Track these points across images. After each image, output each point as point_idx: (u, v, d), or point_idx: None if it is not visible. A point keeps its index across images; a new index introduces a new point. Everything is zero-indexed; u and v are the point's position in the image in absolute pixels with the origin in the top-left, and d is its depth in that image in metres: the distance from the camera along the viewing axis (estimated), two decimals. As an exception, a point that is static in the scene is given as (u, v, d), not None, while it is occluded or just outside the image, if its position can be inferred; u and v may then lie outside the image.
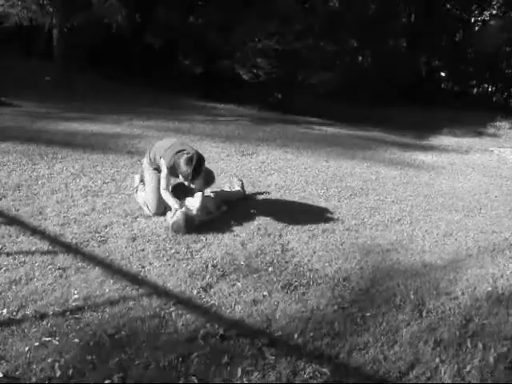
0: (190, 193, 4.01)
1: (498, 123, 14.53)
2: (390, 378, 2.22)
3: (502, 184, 6.56)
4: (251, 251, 3.41)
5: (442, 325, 2.67)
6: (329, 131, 11.19)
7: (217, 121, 10.16)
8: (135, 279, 2.88)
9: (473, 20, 22.07)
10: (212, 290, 2.83)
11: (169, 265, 3.10)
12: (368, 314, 2.71)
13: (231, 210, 4.21)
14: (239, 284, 2.92)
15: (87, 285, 2.74)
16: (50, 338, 2.25)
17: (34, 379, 2.01)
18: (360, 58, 21.74)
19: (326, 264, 3.33)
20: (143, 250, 3.28)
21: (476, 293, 3.11)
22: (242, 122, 10.65)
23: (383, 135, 11.47)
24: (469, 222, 4.58)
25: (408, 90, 18.81)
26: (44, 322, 2.36)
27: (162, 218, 3.86)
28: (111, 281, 2.81)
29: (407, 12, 21.71)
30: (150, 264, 3.08)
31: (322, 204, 4.73)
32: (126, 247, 3.29)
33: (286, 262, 3.30)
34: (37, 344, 2.20)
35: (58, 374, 2.04)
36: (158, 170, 4.03)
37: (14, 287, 2.65)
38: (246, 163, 6.19)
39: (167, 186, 3.88)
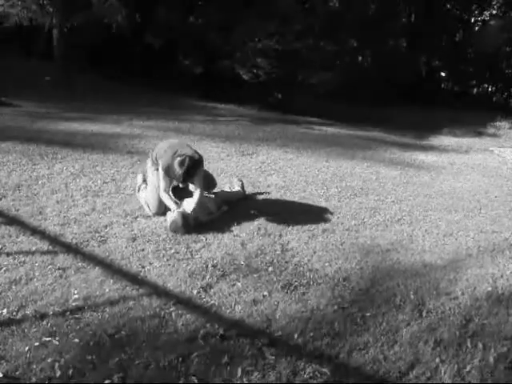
0: (191, 194, 4.03)
1: (498, 123, 14.53)
2: (390, 377, 2.22)
3: (502, 184, 6.56)
4: (251, 251, 3.41)
5: (442, 325, 2.67)
6: (329, 131, 11.19)
7: (217, 121, 10.16)
8: (135, 279, 2.88)
9: (473, 20, 22.06)
10: (212, 290, 2.83)
11: (169, 265, 3.10)
12: (368, 314, 2.71)
13: (231, 210, 4.21)
14: (239, 284, 2.92)
15: (87, 285, 2.75)
16: (50, 338, 2.25)
17: (34, 379, 2.01)
18: (360, 58, 21.74)
19: (326, 264, 3.33)
20: (143, 249, 3.28)
21: (476, 293, 3.11)
22: (242, 122, 10.66)
23: (383, 135, 11.48)
24: (469, 222, 4.58)
25: (408, 90, 18.81)
26: (44, 322, 2.36)
27: (161, 218, 3.86)
28: (111, 281, 2.81)
29: (407, 12, 21.71)
30: (150, 264, 3.09)
31: (322, 204, 4.73)
32: (126, 247, 3.29)
33: (286, 262, 3.30)
34: (37, 344, 2.20)
35: (58, 373, 2.04)
36: None
37: (14, 287, 2.65)
38: (246, 163, 6.19)
39: (166, 187, 3.89)
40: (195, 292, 2.78)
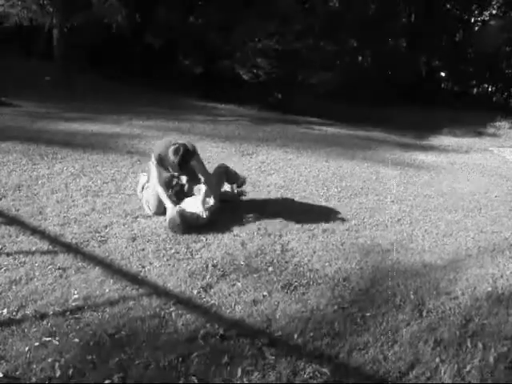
0: (190, 194, 4.04)
1: (498, 123, 14.53)
2: (390, 377, 2.22)
3: (501, 184, 6.56)
4: (251, 251, 3.41)
5: (442, 325, 2.67)
6: (329, 131, 11.19)
7: (217, 121, 10.16)
8: (135, 279, 2.88)
9: (473, 20, 22.06)
10: (212, 290, 2.83)
11: (169, 265, 3.10)
12: (368, 314, 2.71)
13: (231, 210, 4.21)
14: (239, 284, 2.92)
15: (87, 285, 2.75)
16: (50, 338, 2.25)
17: (34, 379, 2.01)
18: (360, 58, 21.74)
19: (326, 264, 3.34)
20: (143, 249, 3.28)
21: (476, 293, 3.11)
22: (242, 121, 10.66)
23: (383, 135, 11.48)
24: (469, 222, 4.58)
25: (408, 90, 18.81)
26: (44, 322, 2.36)
27: (161, 218, 3.86)
28: (111, 281, 2.81)
29: (407, 12, 21.71)
30: (150, 264, 3.09)
31: (322, 204, 4.73)
32: (126, 247, 3.29)
33: (286, 262, 3.30)
34: (37, 344, 2.20)
35: (58, 373, 2.04)
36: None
37: (14, 287, 2.65)
38: (246, 163, 6.19)
39: (160, 180, 3.90)
40: (195, 292, 2.78)
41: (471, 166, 7.90)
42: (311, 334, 2.47)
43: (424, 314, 2.78)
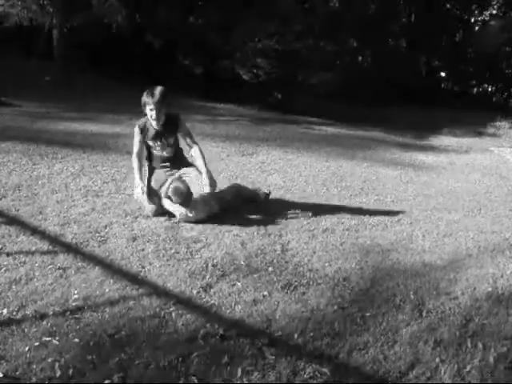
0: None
1: (498, 123, 14.53)
2: (390, 377, 2.22)
3: (501, 184, 6.56)
4: (251, 251, 3.41)
5: (442, 325, 2.67)
6: (329, 131, 11.19)
7: (217, 121, 10.17)
8: (135, 279, 2.88)
9: (473, 20, 22.06)
10: (212, 290, 2.83)
11: (169, 265, 3.10)
12: (368, 314, 2.71)
13: (231, 210, 4.21)
14: (239, 284, 2.92)
15: (87, 285, 2.75)
16: (50, 338, 2.25)
17: (34, 379, 2.01)
18: (360, 58, 21.74)
19: (326, 264, 3.34)
20: (143, 249, 3.28)
21: (476, 293, 3.11)
22: (242, 121, 10.66)
23: (383, 135, 11.48)
24: (469, 222, 4.58)
25: (408, 90, 18.80)
26: (44, 322, 2.36)
27: (162, 218, 3.86)
28: (111, 281, 2.81)
29: (407, 12, 21.71)
30: (150, 264, 3.09)
31: (322, 204, 4.73)
32: (126, 247, 3.29)
33: (286, 262, 3.30)
34: (37, 344, 2.20)
35: (58, 373, 2.04)
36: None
37: (14, 287, 2.65)
38: (246, 163, 6.20)
39: (139, 150, 4.01)
40: (195, 292, 2.78)
41: (471, 166, 7.90)
42: (311, 334, 2.47)
43: (424, 314, 2.78)
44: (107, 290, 2.71)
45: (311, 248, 3.58)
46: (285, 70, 14.88)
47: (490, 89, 22.62)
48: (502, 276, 3.39)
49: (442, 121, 14.34)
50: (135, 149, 4.03)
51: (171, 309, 2.58)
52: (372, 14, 19.53)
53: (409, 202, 5.10)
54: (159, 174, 4.11)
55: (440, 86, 22.55)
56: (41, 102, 9.86)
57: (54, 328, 2.33)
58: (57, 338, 2.25)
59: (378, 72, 18.63)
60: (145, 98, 3.88)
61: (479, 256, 3.75)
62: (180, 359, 2.18)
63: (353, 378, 2.19)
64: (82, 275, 2.85)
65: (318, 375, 2.17)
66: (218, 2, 14.61)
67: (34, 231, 3.40)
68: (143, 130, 4.01)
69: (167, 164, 4.14)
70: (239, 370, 2.15)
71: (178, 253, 3.28)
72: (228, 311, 2.62)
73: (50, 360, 2.11)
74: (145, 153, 4.13)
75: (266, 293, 2.84)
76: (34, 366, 2.07)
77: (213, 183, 3.92)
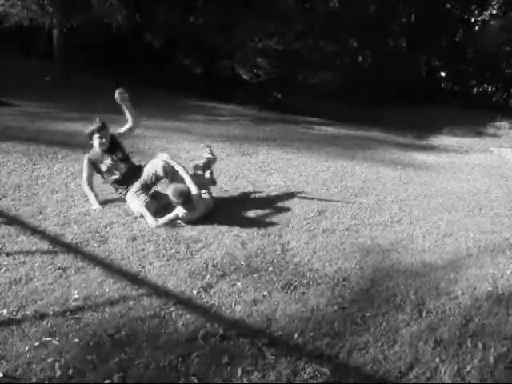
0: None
1: (498, 123, 14.51)
2: (390, 377, 2.22)
3: (502, 184, 6.55)
4: (251, 251, 3.41)
5: (441, 325, 2.67)
6: (329, 131, 11.19)
7: (217, 121, 10.16)
8: (135, 279, 2.88)
9: (473, 20, 22.04)
10: (212, 290, 2.83)
11: (169, 265, 3.10)
12: (368, 314, 2.71)
13: (232, 211, 4.21)
14: (239, 284, 2.92)
15: (87, 285, 2.75)
16: (50, 338, 2.25)
17: (34, 379, 2.01)
18: (360, 58, 21.72)
19: (326, 264, 3.33)
20: (143, 249, 3.28)
21: (476, 293, 3.11)
22: (242, 121, 10.66)
23: (383, 135, 11.47)
24: (469, 222, 4.58)
25: (408, 89, 18.79)
26: (44, 322, 2.36)
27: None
28: (111, 281, 2.82)
29: (407, 12, 21.69)
30: (150, 264, 3.09)
31: (322, 204, 4.73)
32: (126, 247, 3.29)
33: (286, 262, 3.30)
34: (37, 344, 2.20)
35: (58, 373, 2.04)
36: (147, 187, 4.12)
37: (14, 287, 2.65)
38: (246, 163, 6.19)
39: (88, 176, 4.18)
40: (195, 292, 2.78)
41: (471, 166, 7.90)
42: (311, 334, 2.47)
43: (424, 314, 2.78)
44: (107, 290, 2.71)
45: (311, 248, 3.58)
46: (285, 69, 14.88)
47: (489, 89, 22.61)
48: (502, 276, 3.39)
49: (442, 121, 14.33)
50: (85, 175, 4.19)
51: (171, 309, 2.58)
52: (372, 14, 19.50)
53: (409, 202, 5.10)
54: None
55: (440, 85, 22.54)
56: (41, 101, 9.86)
57: (54, 328, 2.33)
58: (57, 338, 2.25)
59: (378, 72, 18.62)
60: (89, 130, 4.16)
61: (479, 256, 3.75)
62: (180, 359, 2.19)
63: (353, 378, 2.20)
64: (82, 275, 2.85)
65: (318, 375, 2.17)
66: (218, 2, 14.61)
67: (34, 231, 3.40)
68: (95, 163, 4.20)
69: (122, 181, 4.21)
70: (239, 370, 2.15)
71: (178, 253, 3.28)
72: (228, 311, 2.63)
73: (49, 360, 2.11)
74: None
75: (265, 293, 2.84)
76: (34, 366, 2.07)
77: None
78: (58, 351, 2.17)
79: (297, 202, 4.74)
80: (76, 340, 2.26)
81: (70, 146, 5.96)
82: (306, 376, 2.16)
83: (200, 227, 3.77)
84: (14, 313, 2.43)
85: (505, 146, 11.09)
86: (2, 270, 2.82)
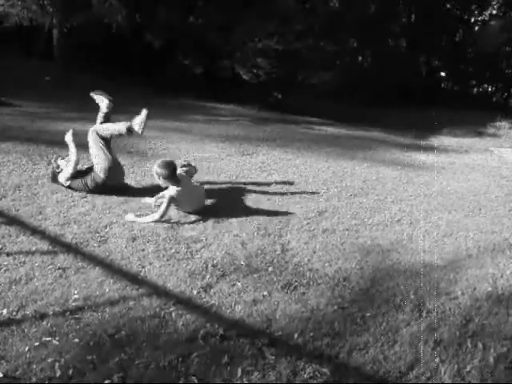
0: None
1: (498, 123, 14.50)
2: (390, 377, 2.22)
3: (502, 184, 6.55)
4: (251, 251, 3.41)
5: (442, 325, 2.67)
6: (329, 131, 11.18)
7: (217, 121, 10.16)
8: (135, 279, 2.88)
9: (473, 20, 22.04)
10: (212, 290, 2.83)
11: (169, 265, 3.10)
12: (368, 314, 2.71)
13: (231, 210, 4.21)
14: (239, 284, 2.92)
15: (87, 285, 2.75)
16: (50, 338, 2.25)
17: (34, 379, 2.01)
18: (360, 58, 21.72)
19: (326, 264, 3.34)
20: (143, 250, 3.28)
21: (476, 293, 3.11)
22: (242, 122, 10.65)
23: (383, 135, 11.47)
24: (469, 222, 4.58)
25: (408, 90, 18.79)
26: (44, 322, 2.36)
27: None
28: (111, 281, 2.82)
29: (407, 12, 21.69)
30: (150, 264, 3.09)
31: (322, 204, 4.73)
32: (125, 247, 3.29)
33: (286, 262, 3.30)
34: (37, 344, 2.20)
35: (58, 373, 2.04)
36: None
37: (13, 287, 2.65)
38: (246, 163, 6.19)
39: None
40: (195, 292, 2.78)
41: (471, 166, 7.89)
42: (311, 334, 2.47)
43: (424, 314, 2.78)
44: (107, 290, 2.71)
45: (311, 248, 3.58)
46: (285, 69, 14.87)
47: (489, 89, 22.61)
48: (501, 276, 3.39)
49: (442, 121, 14.32)
50: None
51: (171, 309, 2.58)
52: (372, 13, 19.51)
53: (409, 202, 5.10)
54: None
55: (440, 85, 22.54)
56: (41, 102, 9.85)
57: (54, 328, 2.33)
58: (57, 338, 2.25)
59: (378, 72, 18.62)
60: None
61: (479, 256, 3.75)
62: (180, 359, 2.19)
63: (353, 378, 2.20)
64: (82, 275, 2.85)
65: (318, 375, 2.17)
66: (218, 2, 14.60)
67: (34, 231, 3.40)
68: None
69: None
70: (239, 370, 2.15)
71: (178, 253, 3.28)
72: (228, 311, 2.63)
73: (49, 360, 2.11)
74: None
75: (265, 293, 2.85)
76: (34, 366, 2.07)
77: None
78: (58, 351, 2.17)
79: (297, 201, 4.74)
80: (76, 340, 2.26)
81: (70, 146, 5.95)
82: (305, 376, 2.16)
83: (200, 227, 3.77)
84: (14, 313, 2.43)
85: (505, 146, 11.09)
86: (2, 270, 2.82)
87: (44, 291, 2.64)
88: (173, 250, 3.31)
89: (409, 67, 19.48)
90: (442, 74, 22.74)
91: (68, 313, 2.47)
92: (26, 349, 2.16)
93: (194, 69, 17.86)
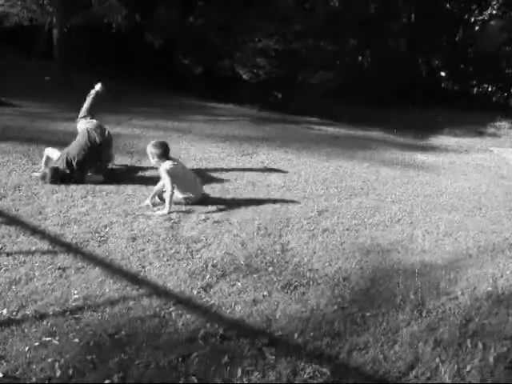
0: None
1: (498, 123, 14.50)
2: (390, 377, 2.22)
3: (501, 184, 6.55)
4: (251, 251, 3.41)
5: (442, 325, 2.67)
6: (329, 131, 11.18)
7: (217, 121, 10.16)
8: (135, 279, 2.88)
9: (473, 20, 22.03)
10: (212, 290, 2.83)
11: (169, 265, 3.10)
12: (368, 314, 2.71)
13: (231, 210, 4.21)
14: (239, 284, 2.92)
15: (87, 285, 2.75)
16: (50, 338, 2.25)
17: (34, 379, 2.01)
18: (360, 57, 21.71)
19: (326, 264, 3.33)
20: (143, 250, 3.28)
21: (476, 293, 3.11)
22: (242, 121, 10.65)
23: (383, 135, 11.47)
24: (469, 222, 4.58)
25: (408, 89, 18.77)
26: (44, 322, 2.36)
27: (161, 218, 3.86)
28: (111, 281, 2.81)
29: (407, 12, 21.67)
30: (150, 264, 3.09)
31: (322, 204, 4.73)
32: (125, 247, 3.29)
33: (286, 262, 3.30)
34: (37, 344, 2.20)
35: (58, 373, 2.04)
36: None
37: (13, 287, 2.65)
38: (246, 163, 6.19)
39: None
40: (195, 292, 2.78)
41: (471, 166, 7.90)
42: (311, 334, 2.47)
43: (424, 314, 2.78)
44: (107, 290, 2.70)
45: (311, 248, 3.58)
46: (285, 69, 14.88)
47: (489, 89, 22.59)
48: (501, 276, 3.39)
49: (442, 121, 14.32)
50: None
51: (171, 309, 2.58)
52: (372, 13, 19.49)
53: (409, 202, 5.10)
54: None
55: (440, 85, 22.52)
56: (41, 102, 9.85)
57: (54, 328, 2.33)
58: (57, 338, 2.25)
59: (378, 72, 18.60)
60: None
61: (479, 256, 3.75)
62: (180, 359, 2.19)
63: (353, 378, 2.20)
64: (82, 275, 2.85)
65: (318, 375, 2.17)
66: (218, 2, 14.61)
67: (34, 231, 3.40)
68: None
69: None
70: (239, 370, 2.15)
71: (178, 253, 3.28)
72: (228, 311, 2.63)
73: (49, 360, 2.11)
74: None
75: (265, 293, 2.84)
76: (34, 366, 2.07)
77: None
78: (58, 351, 2.17)
79: (297, 201, 4.74)
80: (76, 340, 2.25)
81: (69, 146, 5.95)
82: (305, 376, 2.16)
83: (200, 227, 3.77)
84: (14, 313, 2.42)
85: (505, 146, 11.09)
86: (2, 270, 2.82)
87: (44, 291, 2.64)
88: (173, 250, 3.31)
89: (409, 67, 19.47)
90: (442, 73, 22.73)
91: (68, 313, 2.46)
92: (26, 349, 2.16)
93: (193, 69, 17.87)
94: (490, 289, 3.17)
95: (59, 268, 2.90)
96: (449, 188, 6.00)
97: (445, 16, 20.81)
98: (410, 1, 20.82)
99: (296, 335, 2.45)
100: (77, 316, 2.44)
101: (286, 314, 2.64)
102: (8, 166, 4.89)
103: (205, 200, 4.39)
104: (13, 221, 3.56)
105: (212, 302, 2.70)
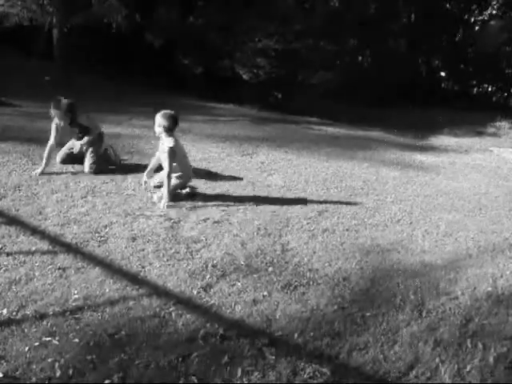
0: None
1: (498, 123, 14.49)
2: (390, 377, 2.22)
3: (502, 184, 6.56)
4: (251, 251, 3.41)
5: (442, 325, 2.68)
6: (329, 131, 11.18)
7: (217, 121, 10.16)
8: (135, 279, 2.88)
9: (473, 20, 22.03)
10: (212, 290, 2.83)
11: (169, 265, 3.10)
12: (368, 314, 2.71)
13: (231, 210, 4.21)
14: (239, 284, 2.92)
15: (87, 285, 2.75)
16: (50, 338, 2.25)
17: (34, 379, 2.01)
18: (360, 57, 21.71)
19: (326, 264, 3.34)
20: (143, 249, 3.28)
21: (476, 293, 3.11)
22: (242, 121, 10.65)
23: (383, 135, 11.46)
24: (469, 222, 4.58)
25: (408, 89, 18.77)
26: (44, 322, 2.36)
27: (161, 218, 3.86)
28: (111, 281, 2.82)
29: (407, 12, 21.67)
30: (150, 264, 3.09)
31: (322, 204, 4.73)
32: (125, 247, 3.29)
33: (286, 262, 3.30)
34: (37, 344, 2.20)
35: (58, 373, 2.04)
36: None
37: (13, 287, 2.65)
38: (246, 163, 6.19)
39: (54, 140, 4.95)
40: (195, 292, 2.78)
41: (471, 166, 7.90)
42: (311, 334, 2.47)
43: (424, 314, 2.78)
44: (107, 290, 2.71)
45: (311, 248, 3.59)
46: (285, 69, 14.89)
47: (489, 89, 22.59)
48: (501, 276, 3.39)
49: (442, 121, 14.32)
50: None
51: (171, 309, 2.58)
52: (372, 13, 19.49)
53: (409, 202, 5.10)
54: None
55: (440, 85, 22.52)
56: (41, 101, 9.82)
57: (54, 328, 2.33)
58: (57, 338, 2.25)
59: (378, 72, 18.60)
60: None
61: (479, 256, 3.75)
62: (180, 359, 2.19)
63: (353, 378, 2.20)
64: (82, 275, 2.85)
65: (318, 375, 2.17)
66: (218, 2, 14.61)
67: (34, 231, 3.40)
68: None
69: None
70: (239, 370, 2.15)
71: (178, 253, 3.28)
72: (228, 311, 2.63)
73: (49, 360, 2.11)
74: None
75: (265, 293, 2.85)
76: (34, 366, 2.07)
77: None
78: (58, 351, 2.17)
79: (297, 201, 4.74)
80: (76, 340, 2.26)
81: (69, 146, 5.94)
82: (305, 376, 2.16)
83: (200, 227, 3.77)
84: (14, 313, 2.42)
85: (505, 146, 11.09)
86: (2, 270, 2.82)
87: (44, 291, 2.64)
88: (173, 250, 3.31)
89: (409, 67, 19.47)
90: (442, 74, 22.73)
91: (68, 313, 2.47)
92: (26, 349, 2.16)
93: (193, 69, 17.87)
94: (489, 289, 3.18)
95: (59, 268, 2.90)
96: (449, 188, 6.01)
97: (445, 16, 20.81)
98: (410, 1, 20.82)
99: (296, 335, 2.45)
100: (77, 316, 2.45)
101: (286, 314, 2.64)
102: (8, 166, 4.89)
103: (205, 200, 4.40)
104: (13, 221, 3.56)
105: (212, 302, 2.70)
